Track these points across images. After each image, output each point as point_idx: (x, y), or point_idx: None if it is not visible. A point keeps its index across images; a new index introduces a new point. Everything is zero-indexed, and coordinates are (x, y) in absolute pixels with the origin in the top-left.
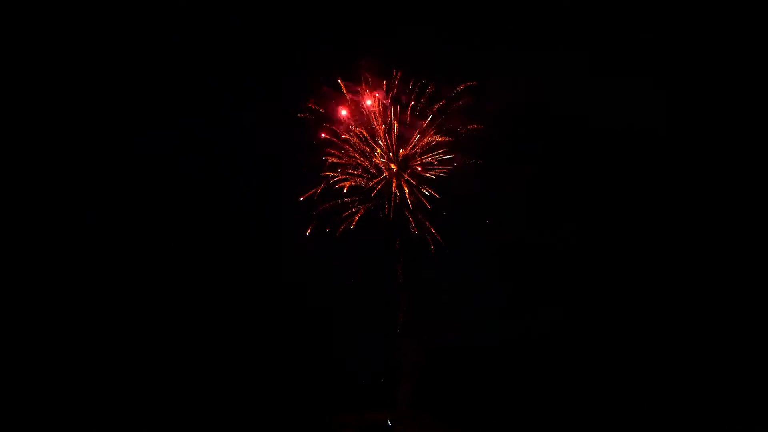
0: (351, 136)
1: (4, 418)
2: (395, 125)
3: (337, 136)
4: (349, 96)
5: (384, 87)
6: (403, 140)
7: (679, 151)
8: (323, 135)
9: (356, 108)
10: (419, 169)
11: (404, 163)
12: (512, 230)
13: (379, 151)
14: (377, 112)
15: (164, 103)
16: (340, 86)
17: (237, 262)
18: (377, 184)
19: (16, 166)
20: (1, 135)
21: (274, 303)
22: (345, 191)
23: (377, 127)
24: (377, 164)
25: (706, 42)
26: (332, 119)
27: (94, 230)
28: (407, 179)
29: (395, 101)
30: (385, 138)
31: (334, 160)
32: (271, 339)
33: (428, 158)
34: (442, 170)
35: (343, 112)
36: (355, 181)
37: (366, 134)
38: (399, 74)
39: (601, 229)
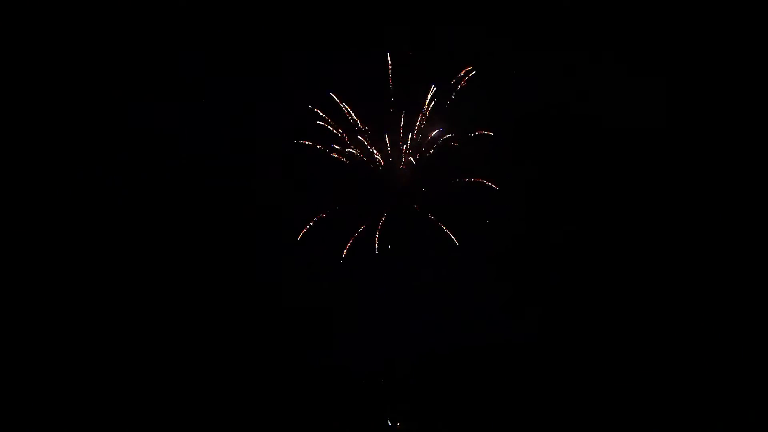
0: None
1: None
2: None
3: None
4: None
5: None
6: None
7: (684, 154)
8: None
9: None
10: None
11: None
12: (512, 231)
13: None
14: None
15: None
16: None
17: (235, 262)
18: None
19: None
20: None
21: (273, 303)
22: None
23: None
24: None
25: (713, 42)
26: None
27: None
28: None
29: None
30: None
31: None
32: (271, 339)
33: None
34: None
35: None
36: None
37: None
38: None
39: (602, 230)
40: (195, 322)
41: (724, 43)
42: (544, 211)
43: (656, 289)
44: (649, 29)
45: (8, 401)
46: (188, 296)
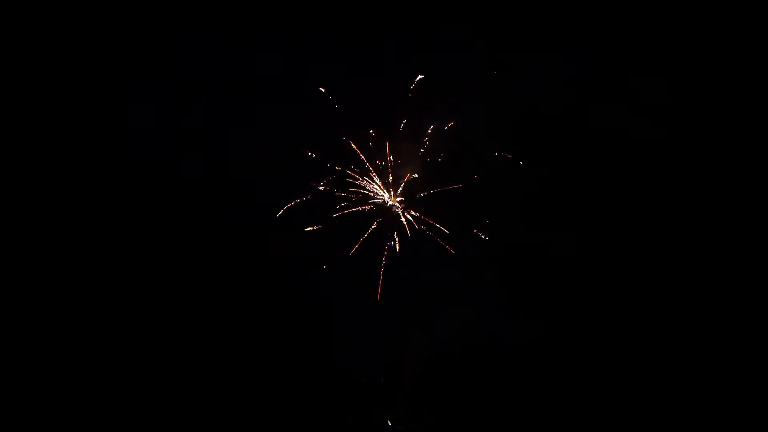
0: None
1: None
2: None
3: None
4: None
5: None
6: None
7: (683, 156)
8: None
9: None
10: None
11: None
12: (512, 231)
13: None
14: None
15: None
16: None
17: (235, 264)
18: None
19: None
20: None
21: (273, 303)
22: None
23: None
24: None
25: (712, 43)
26: None
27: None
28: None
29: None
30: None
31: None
32: (271, 339)
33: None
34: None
35: None
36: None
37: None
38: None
39: (602, 232)
40: (203, 324)
41: (726, 43)
42: (544, 212)
43: (657, 291)
44: (650, 29)
45: (8, 401)
46: (193, 299)
